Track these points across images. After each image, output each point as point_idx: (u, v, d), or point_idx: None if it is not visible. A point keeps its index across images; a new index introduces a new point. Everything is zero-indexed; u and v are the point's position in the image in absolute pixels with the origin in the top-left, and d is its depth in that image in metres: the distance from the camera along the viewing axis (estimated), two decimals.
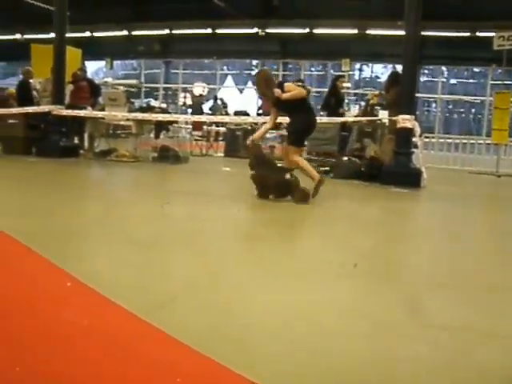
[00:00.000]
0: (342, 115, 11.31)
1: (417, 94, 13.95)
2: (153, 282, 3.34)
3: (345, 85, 14.47)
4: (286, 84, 7.27)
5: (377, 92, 12.63)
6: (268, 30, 23.87)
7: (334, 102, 11.38)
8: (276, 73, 27.00)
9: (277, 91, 6.90)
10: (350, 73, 25.83)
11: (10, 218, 5.08)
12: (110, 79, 22.27)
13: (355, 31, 23.15)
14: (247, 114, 16.23)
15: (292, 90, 7.00)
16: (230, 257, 4.11)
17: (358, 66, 28.33)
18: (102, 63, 28.83)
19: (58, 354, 2.29)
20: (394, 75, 10.72)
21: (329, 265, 3.85)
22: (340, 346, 2.48)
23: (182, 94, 26.98)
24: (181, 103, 26.08)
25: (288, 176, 6.72)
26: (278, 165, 7.24)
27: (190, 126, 15.13)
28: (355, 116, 12.75)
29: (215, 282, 3.42)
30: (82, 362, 2.21)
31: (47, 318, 2.70)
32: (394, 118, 9.47)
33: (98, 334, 2.51)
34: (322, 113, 11.20)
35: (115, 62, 28.67)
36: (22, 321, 2.64)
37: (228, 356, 2.25)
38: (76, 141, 12.06)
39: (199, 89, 24.28)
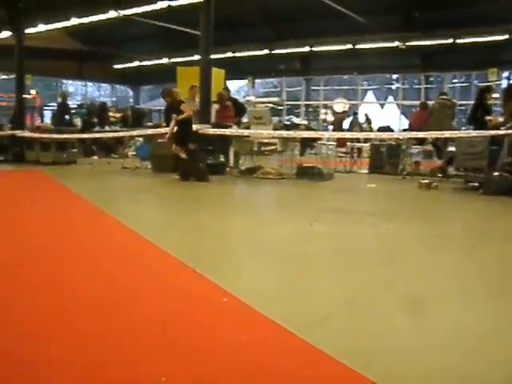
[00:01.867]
0: (488, 124, 10.73)
1: None
2: (306, 299, 3.28)
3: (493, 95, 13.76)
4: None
5: None
6: (408, 43, 23.24)
7: (480, 115, 10.84)
8: (417, 86, 26.33)
9: None
10: (497, 82, 24.58)
11: (160, 234, 5.19)
12: (252, 97, 22.60)
13: (505, 37, 21.65)
14: (391, 130, 15.86)
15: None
16: (384, 277, 3.92)
17: (505, 74, 26.89)
18: (243, 82, 29.44)
19: (220, 368, 2.27)
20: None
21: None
22: None
23: (323, 111, 26.95)
24: (322, 120, 26.02)
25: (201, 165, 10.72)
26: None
27: (334, 143, 15.01)
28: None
29: (371, 302, 3.27)
30: (242, 377, 2.18)
31: (204, 332, 2.69)
32: None
33: (257, 350, 2.48)
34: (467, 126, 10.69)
35: (256, 81, 29.14)
36: (177, 333, 2.64)
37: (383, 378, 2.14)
38: (222, 158, 12.30)
39: (340, 105, 24.12)
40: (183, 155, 10.64)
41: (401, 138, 12.96)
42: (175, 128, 10.81)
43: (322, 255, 4.59)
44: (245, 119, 13.74)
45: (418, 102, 18.05)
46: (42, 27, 21.40)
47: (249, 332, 2.70)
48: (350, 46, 23.86)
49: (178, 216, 6.65)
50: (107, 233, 5.51)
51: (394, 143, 13.11)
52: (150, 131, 14.15)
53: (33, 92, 27.48)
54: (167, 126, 11.54)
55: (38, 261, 4.18)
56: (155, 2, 18.48)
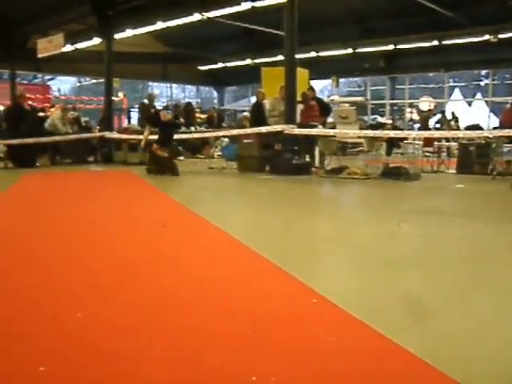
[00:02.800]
0: None
1: None
2: (396, 302, 3.23)
3: None
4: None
5: None
6: (502, 35, 22.28)
7: None
8: (509, 82, 25.40)
9: None
10: None
11: (248, 233, 5.24)
12: (336, 97, 22.47)
13: None
14: (480, 128, 15.39)
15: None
16: (474, 279, 3.82)
17: None
18: (326, 82, 29.30)
19: (309, 368, 2.26)
20: None
21: None
22: None
23: (408, 110, 26.48)
24: (407, 119, 25.57)
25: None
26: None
27: (420, 142, 14.69)
28: None
29: (464, 305, 3.21)
30: (329, 376, 2.18)
31: (294, 332, 2.70)
32: None
33: (346, 351, 2.47)
34: None
35: (340, 80, 28.93)
36: (266, 333, 2.67)
37: None
38: (307, 159, 12.29)
39: (425, 104, 23.61)
40: (165, 153, 11.99)
41: (491, 136, 12.56)
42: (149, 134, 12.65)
43: (410, 257, 4.51)
44: (330, 119, 13.69)
45: (509, 98, 17.41)
46: (129, 32, 21.98)
47: (337, 333, 2.69)
48: (436, 43, 23.27)
49: (265, 216, 6.70)
50: (196, 232, 5.61)
51: (483, 142, 12.73)
52: (235, 131, 14.29)
53: (120, 95, 28.30)
54: (254, 126, 11.81)
55: (125, 262, 4.30)
56: (239, 4, 18.64)
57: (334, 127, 11.82)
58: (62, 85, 36.14)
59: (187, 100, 28.50)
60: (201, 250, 4.69)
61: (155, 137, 12.38)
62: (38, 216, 6.80)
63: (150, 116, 13.41)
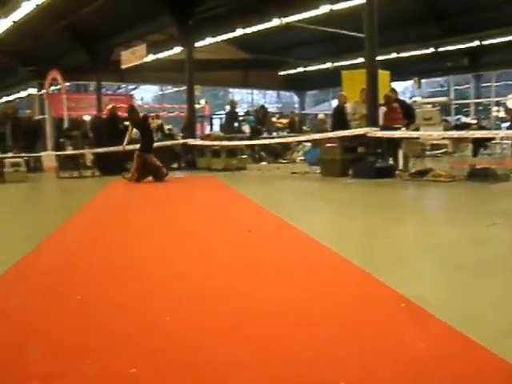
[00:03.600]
0: None
1: None
2: (489, 309, 3.11)
3: None
4: None
5: None
6: None
7: None
8: None
9: None
10: None
11: (333, 238, 5.21)
12: (418, 98, 22.09)
13: None
14: None
15: None
16: None
17: None
18: (407, 83, 28.83)
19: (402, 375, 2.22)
20: None
21: None
22: None
23: (494, 108, 25.69)
24: (494, 117, 24.81)
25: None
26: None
27: (509, 142, 14.23)
28: None
29: None
30: None
31: (384, 338, 2.65)
32: None
33: (440, 359, 2.38)
34: None
35: (422, 81, 28.36)
36: (355, 339, 2.61)
37: None
38: (391, 161, 12.12)
39: None
40: (157, 162, 13.06)
41: None
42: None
43: (502, 261, 4.36)
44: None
45: None
46: (209, 40, 22.36)
47: (426, 339, 2.61)
48: None
49: (350, 220, 6.65)
50: (281, 237, 5.60)
51: None
52: (317, 136, 14.25)
53: (202, 102, 28.76)
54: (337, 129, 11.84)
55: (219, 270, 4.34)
56: (317, 8, 18.62)
57: (417, 129, 11.59)
58: (145, 94, 37.08)
59: (267, 105, 28.60)
60: (288, 255, 4.69)
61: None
62: (126, 222, 6.97)
63: (137, 119, 13.53)
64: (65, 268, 4.46)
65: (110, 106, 19.87)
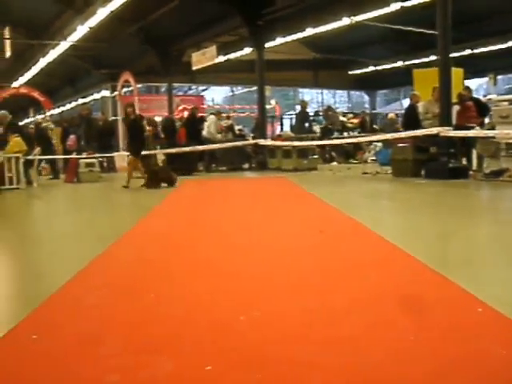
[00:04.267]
0: None
1: None
2: None
3: None
4: None
5: None
6: None
7: None
8: None
9: None
10: None
11: (407, 240, 5.09)
12: (494, 96, 21.42)
13: None
14: None
15: None
16: None
17: None
18: (481, 80, 28.07)
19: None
20: None
21: None
22: None
23: None
24: None
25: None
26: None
27: None
28: None
29: None
30: None
31: (459, 343, 2.54)
32: None
33: None
34: None
35: (498, 77, 27.52)
36: (430, 344, 2.50)
37: None
38: (464, 162, 11.82)
39: None
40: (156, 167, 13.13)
41: None
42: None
43: None
44: (486, 119, 13.07)
45: None
46: (279, 40, 22.40)
47: (508, 346, 2.48)
48: None
49: (422, 221, 6.51)
50: (355, 240, 5.50)
51: None
52: (388, 135, 14.04)
53: (272, 102, 28.84)
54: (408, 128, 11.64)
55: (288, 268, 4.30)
56: (388, 5, 18.37)
57: (492, 128, 11.25)
58: (216, 94, 37.47)
59: (337, 105, 28.43)
60: (361, 256, 4.61)
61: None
62: (197, 221, 7.01)
63: (129, 117, 12.94)
64: (138, 265, 4.56)
65: (190, 107, 20.25)
